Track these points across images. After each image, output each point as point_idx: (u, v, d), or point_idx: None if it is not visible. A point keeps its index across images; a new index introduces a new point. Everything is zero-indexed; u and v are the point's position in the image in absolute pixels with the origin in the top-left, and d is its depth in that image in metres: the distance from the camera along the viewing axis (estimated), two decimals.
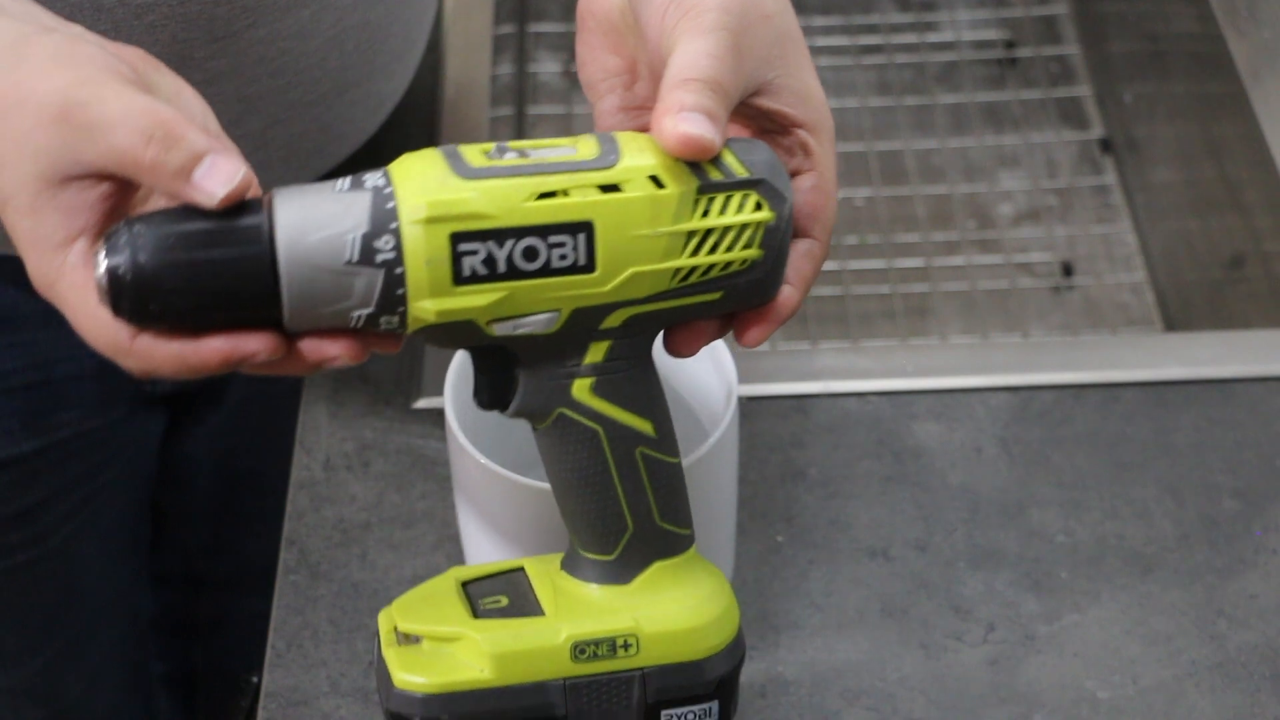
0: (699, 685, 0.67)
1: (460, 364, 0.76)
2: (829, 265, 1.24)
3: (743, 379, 0.75)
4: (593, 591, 0.66)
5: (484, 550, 0.77)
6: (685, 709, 0.67)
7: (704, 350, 0.76)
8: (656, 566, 0.66)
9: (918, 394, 0.89)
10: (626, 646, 0.66)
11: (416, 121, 1.02)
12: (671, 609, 0.66)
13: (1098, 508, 0.85)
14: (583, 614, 0.66)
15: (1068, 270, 1.25)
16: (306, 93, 0.85)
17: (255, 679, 0.93)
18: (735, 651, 0.68)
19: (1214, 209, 1.14)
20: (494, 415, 0.78)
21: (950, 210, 1.28)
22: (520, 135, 1.30)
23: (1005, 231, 1.28)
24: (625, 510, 0.65)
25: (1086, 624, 0.80)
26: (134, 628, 1.11)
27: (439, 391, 0.87)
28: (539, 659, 0.65)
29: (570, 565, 0.67)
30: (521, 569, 0.68)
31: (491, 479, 0.72)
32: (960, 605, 0.81)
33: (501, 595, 0.67)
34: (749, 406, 0.88)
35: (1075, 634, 0.80)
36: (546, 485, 0.70)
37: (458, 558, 0.82)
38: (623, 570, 0.66)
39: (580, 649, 0.65)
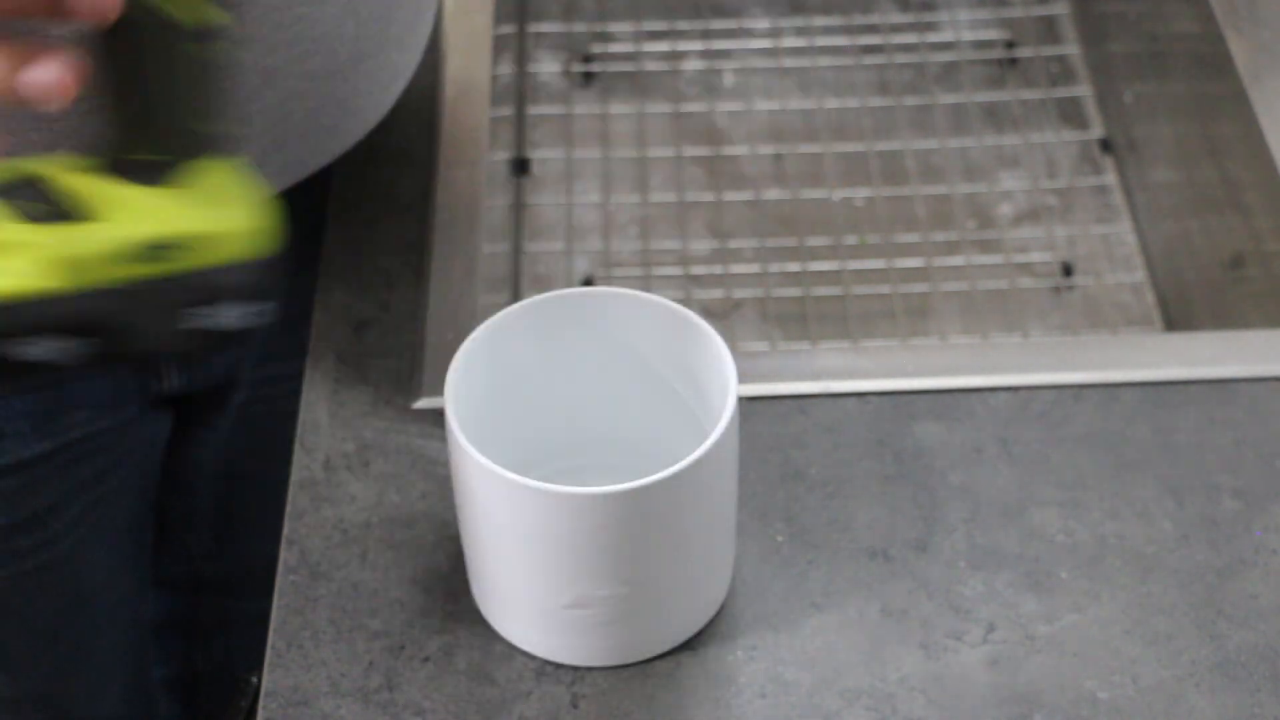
0: (242, 287, 0.66)
1: (461, 364, 0.76)
2: (829, 265, 1.24)
3: (743, 379, 0.75)
4: (137, 194, 0.64)
5: (484, 550, 0.77)
6: (230, 308, 0.66)
7: (704, 350, 0.77)
8: (195, 166, 0.65)
9: (918, 394, 0.89)
10: (177, 248, 0.64)
11: (417, 122, 1.02)
12: (216, 211, 0.65)
13: (1098, 508, 0.85)
14: (132, 216, 0.64)
15: (1068, 270, 1.25)
16: (325, 62, 0.85)
17: (255, 679, 0.93)
18: (269, 259, 0.67)
19: (1214, 209, 1.14)
20: (494, 415, 0.78)
21: (950, 210, 1.28)
22: (520, 135, 1.30)
23: (1005, 231, 1.28)
24: (161, 103, 0.63)
25: (1087, 624, 0.80)
26: (137, 633, 1.11)
27: (439, 391, 0.87)
28: (94, 264, 0.63)
29: (106, 168, 0.64)
30: (40, 175, 0.65)
31: (491, 479, 0.72)
32: (960, 605, 0.81)
33: (33, 202, 0.64)
34: (749, 406, 0.88)
35: (1075, 634, 0.80)
36: (548, 485, 0.71)
37: (457, 557, 0.82)
38: (165, 171, 0.64)
39: (134, 252, 0.63)
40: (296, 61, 0.84)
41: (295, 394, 0.91)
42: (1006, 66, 1.37)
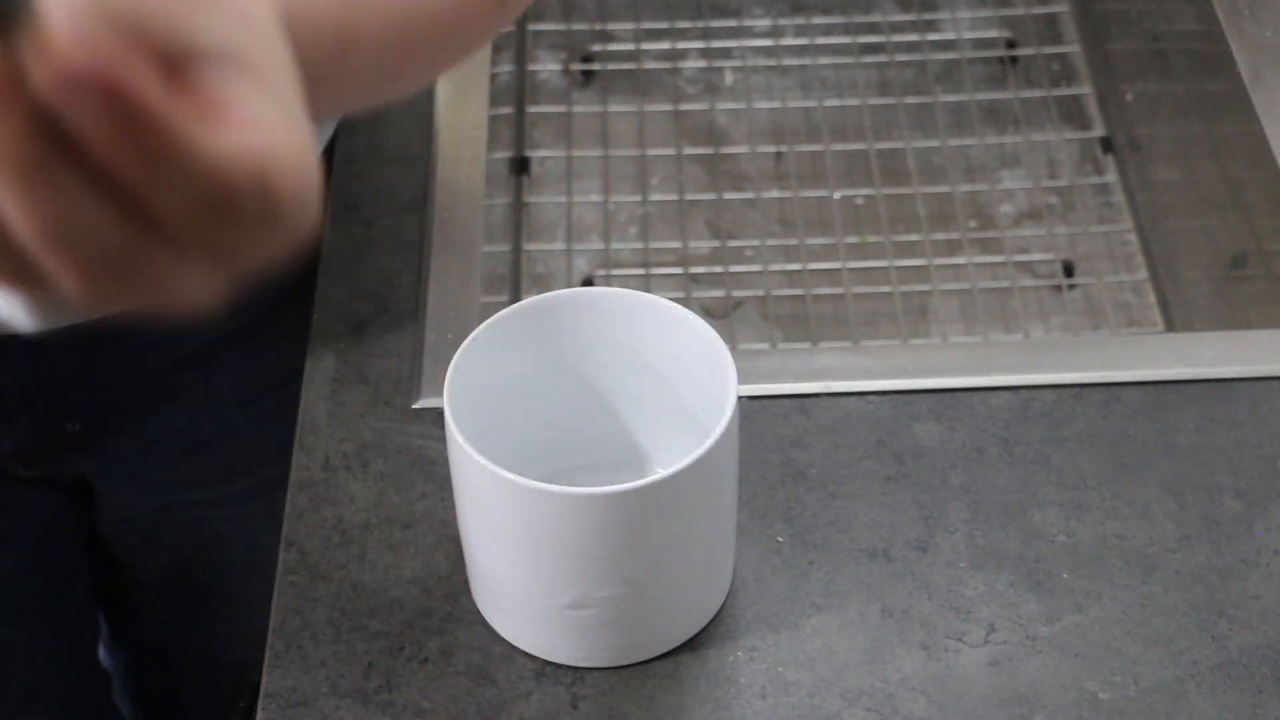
0: None
1: (460, 364, 0.76)
2: (829, 265, 1.24)
3: (743, 379, 0.75)
4: None
5: (484, 551, 0.77)
6: None
7: (704, 350, 0.76)
8: None
9: (918, 394, 0.89)
10: None
11: (415, 121, 1.02)
12: None
13: (1099, 508, 0.84)
14: None
15: (1069, 270, 1.25)
16: None
17: (255, 678, 0.94)
18: None
19: (1215, 208, 1.13)
20: (493, 415, 0.78)
21: (951, 210, 1.28)
22: (520, 134, 1.30)
23: (1006, 231, 1.27)
24: None
25: (1088, 625, 0.80)
26: (84, 689, 1.12)
27: (439, 392, 0.87)
28: None
29: None
30: None
31: (491, 479, 0.72)
32: (961, 606, 0.80)
33: None
34: (749, 406, 0.88)
35: (1076, 635, 0.79)
36: (548, 485, 0.70)
37: (457, 558, 0.81)
38: None
39: None
40: None
41: (255, 511, 0.91)
42: (1007, 65, 1.37)
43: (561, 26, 1.38)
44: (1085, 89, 1.34)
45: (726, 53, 1.37)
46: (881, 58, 1.37)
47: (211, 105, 0.41)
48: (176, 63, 0.40)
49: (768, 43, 1.38)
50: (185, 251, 0.42)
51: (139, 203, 0.41)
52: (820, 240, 1.25)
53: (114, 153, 0.40)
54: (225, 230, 0.42)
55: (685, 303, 0.89)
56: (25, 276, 0.42)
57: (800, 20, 1.39)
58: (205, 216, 0.41)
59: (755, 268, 1.24)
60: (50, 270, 0.41)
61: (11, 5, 0.40)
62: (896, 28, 1.38)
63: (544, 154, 1.29)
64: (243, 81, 0.41)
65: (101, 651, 1.16)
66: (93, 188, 0.40)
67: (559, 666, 0.78)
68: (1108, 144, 1.31)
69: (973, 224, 1.28)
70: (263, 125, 0.41)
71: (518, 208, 1.25)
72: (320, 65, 0.46)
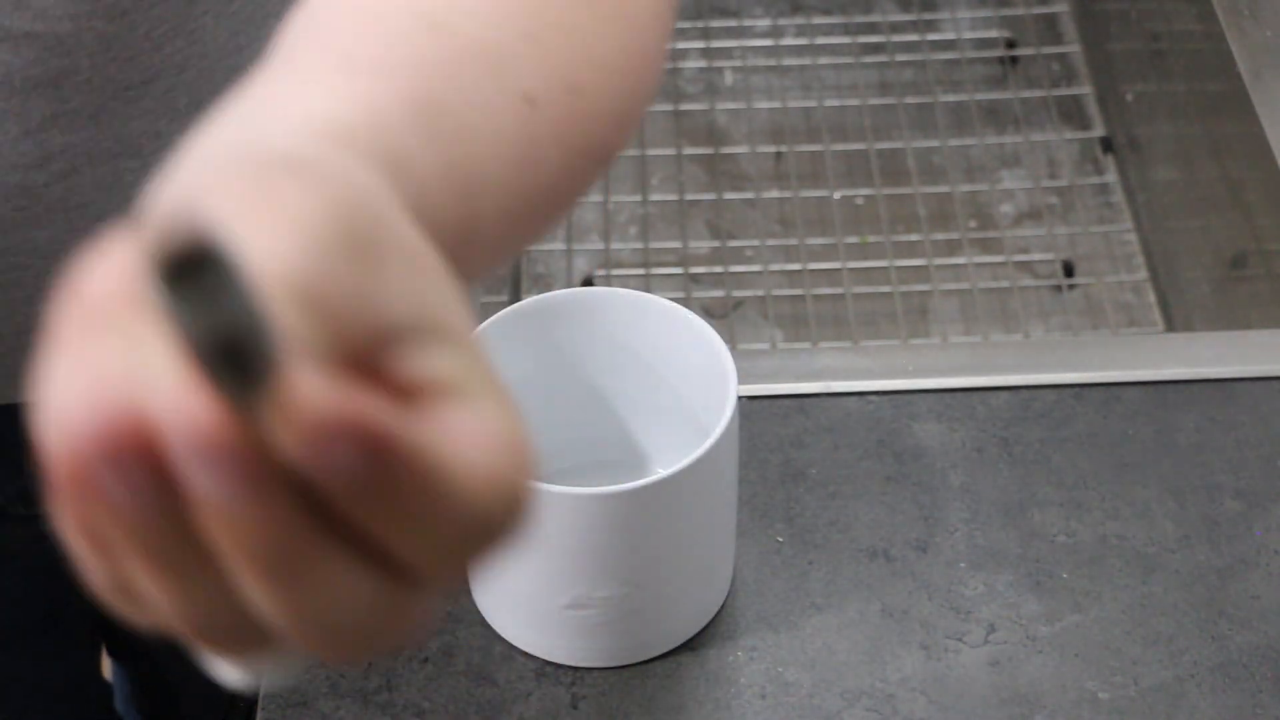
0: None
1: None
2: (829, 265, 1.24)
3: (743, 379, 0.75)
4: None
5: None
6: None
7: (704, 350, 0.76)
8: None
9: (918, 394, 0.89)
10: None
11: None
12: None
13: (1099, 508, 0.84)
14: None
15: (1069, 270, 1.25)
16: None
17: None
18: None
19: (1215, 208, 1.13)
20: None
21: (951, 210, 1.28)
22: None
23: (1006, 231, 1.27)
24: None
25: (1088, 625, 0.80)
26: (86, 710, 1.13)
27: None
28: None
29: None
30: None
31: None
32: (961, 606, 0.80)
33: None
34: (749, 406, 0.88)
35: (1076, 635, 0.79)
36: (548, 485, 0.70)
37: None
38: None
39: None
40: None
41: None
42: (1008, 65, 1.37)
43: None
44: (1085, 89, 1.34)
45: (726, 53, 1.37)
46: (881, 58, 1.37)
47: (430, 406, 0.33)
48: (375, 352, 0.33)
49: (768, 43, 1.38)
50: (427, 591, 0.35)
51: (389, 556, 0.34)
52: (820, 240, 1.25)
53: (369, 509, 0.33)
54: (467, 558, 0.35)
55: (685, 303, 0.89)
56: (259, 649, 0.36)
57: (800, 20, 1.39)
58: (457, 550, 0.34)
59: (755, 268, 1.24)
60: (293, 644, 0.35)
61: (254, 355, 0.31)
62: (896, 28, 1.38)
63: None
64: (444, 358, 0.34)
65: (104, 664, 1.16)
66: (346, 556, 0.34)
67: (559, 666, 0.78)
68: (1108, 144, 1.31)
69: (973, 224, 1.28)
70: (491, 425, 0.34)
71: None
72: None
